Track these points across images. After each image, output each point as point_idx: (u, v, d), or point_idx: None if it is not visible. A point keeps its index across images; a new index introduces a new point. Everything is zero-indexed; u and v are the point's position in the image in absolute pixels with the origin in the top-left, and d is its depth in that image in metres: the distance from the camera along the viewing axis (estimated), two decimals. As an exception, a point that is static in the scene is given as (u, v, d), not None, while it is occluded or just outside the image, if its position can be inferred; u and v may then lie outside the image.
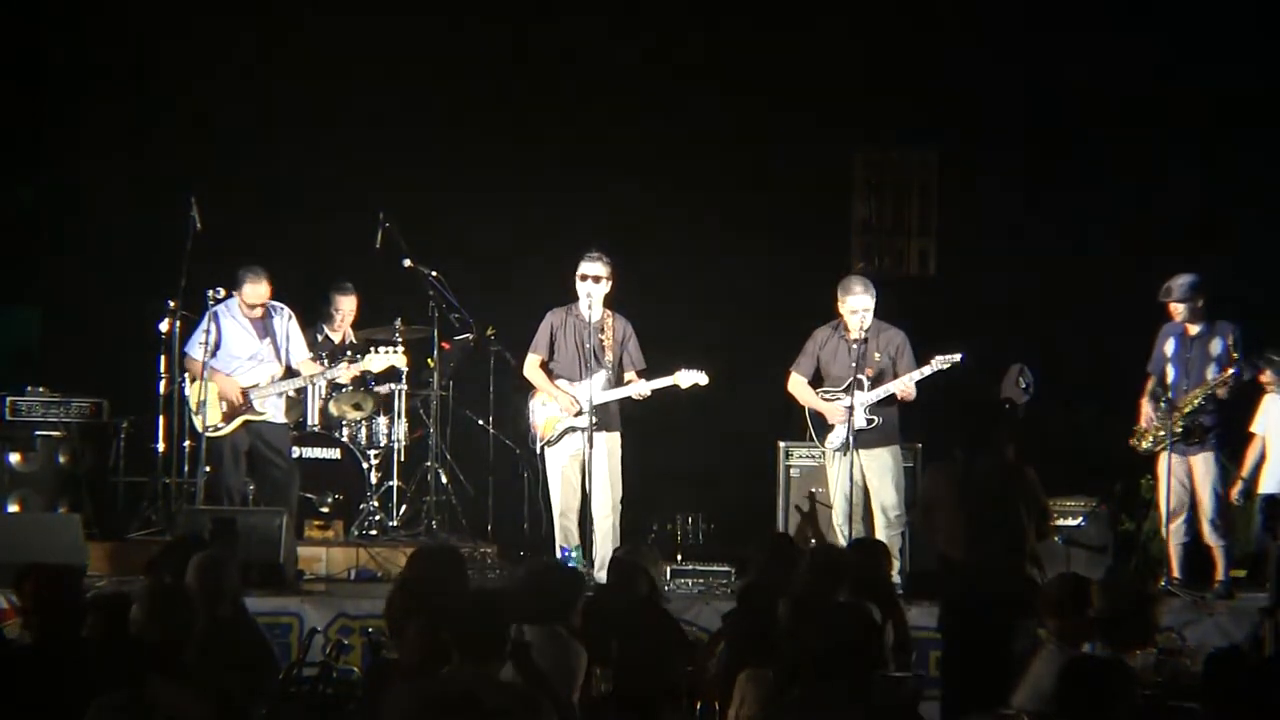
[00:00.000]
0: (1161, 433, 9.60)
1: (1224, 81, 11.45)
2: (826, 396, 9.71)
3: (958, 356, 9.47)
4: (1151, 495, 10.00)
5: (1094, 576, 7.30)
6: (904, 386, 9.53)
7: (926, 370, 9.53)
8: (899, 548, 9.45)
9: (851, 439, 9.52)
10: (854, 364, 9.59)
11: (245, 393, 10.03)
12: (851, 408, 9.53)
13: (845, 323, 9.69)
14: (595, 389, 9.64)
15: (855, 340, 9.61)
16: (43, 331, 12.18)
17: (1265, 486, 9.99)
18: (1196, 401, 9.53)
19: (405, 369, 10.97)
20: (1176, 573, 9.63)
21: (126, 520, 10.60)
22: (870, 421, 9.59)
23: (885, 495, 9.59)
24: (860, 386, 9.60)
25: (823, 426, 9.70)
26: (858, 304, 9.61)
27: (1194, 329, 9.68)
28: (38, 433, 10.70)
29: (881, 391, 9.57)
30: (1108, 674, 5.39)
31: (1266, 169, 11.30)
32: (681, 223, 11.91)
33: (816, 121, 12.01)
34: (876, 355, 9.69)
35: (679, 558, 10.38)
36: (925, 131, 12.35)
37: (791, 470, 10.32)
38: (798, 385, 9.83)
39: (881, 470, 9.62)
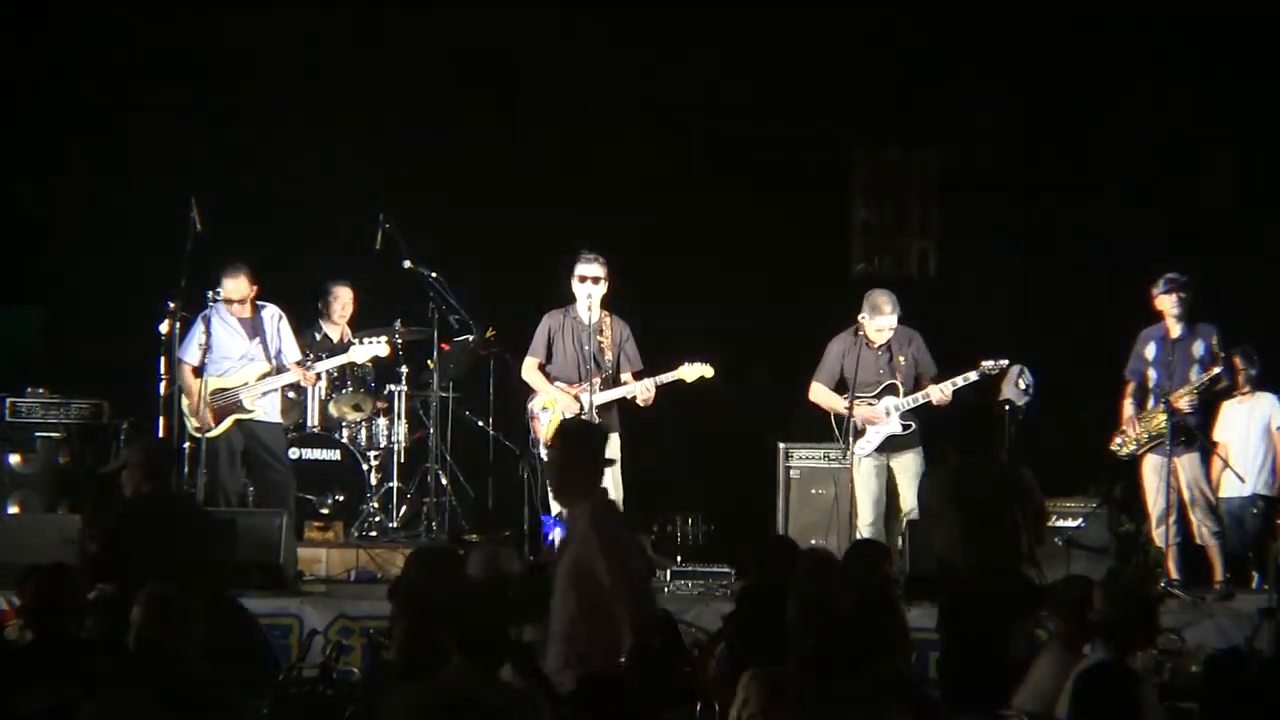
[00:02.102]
0: (1145, 436, 9.65)
1: (1222, 81, 11.46)
2: (859, 403, 9.74)
3: (1004, 361, 9.52)
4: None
5: (1094, 578, 7.30)
6: (941, 395, 9.59)
7: (972, 375, 9.59)
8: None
9: (867, 444, 9.62)
10: (881, 370, 9.74)
11: (220, 396, 10.01)
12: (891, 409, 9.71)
13: (867, 332, 9.73)
14: (595, 390, 9.64)
15: (880, 347, 9.68)
16: (43, 331, 12.17)
17: (1225, 490, 10.04)
18: (1180, 402, 9.56)
19: (404, 369, 10.99)
20: (1174, 574, 9.65)
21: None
22: (906, 427, 9.65)
23: (913, 498, 9.62)
24: (895, 392, 9.67)
25: (853, 431, 9.71)
26: (885, 323, 9.74)
27: (1175, 331, 9.73)
28: (38, 433, 10.71)
29: (920, 397, 9.63)
30: (1120, 683, 5.41)
31: (1265, 169, 11.30)
32: (681, 223, 11.91)
33: (816, 122, 12.01)
34: (902, 360, 9.76)
35: (679, 558, 10.38)
36: (925, 132, 12.35)
37: (791, 470, 10.34)
38: (822, 393, 9.86)
39: (913, 473, 9.66)
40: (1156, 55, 11.50)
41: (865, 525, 9.70)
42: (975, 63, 11.85)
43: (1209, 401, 9.94)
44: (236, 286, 10.05)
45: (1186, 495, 9.70)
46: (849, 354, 9.83)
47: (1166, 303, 9.71)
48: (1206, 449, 9.83)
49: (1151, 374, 9.81)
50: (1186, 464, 9.68)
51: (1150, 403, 9.77)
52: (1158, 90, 11.55)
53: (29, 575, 6.24)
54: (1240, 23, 11.45)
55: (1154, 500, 9.74)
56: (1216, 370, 9.58)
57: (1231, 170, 11.38)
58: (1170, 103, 11.52)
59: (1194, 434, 9.65)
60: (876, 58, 11.85)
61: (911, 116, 12.17)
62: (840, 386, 9.87)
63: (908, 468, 9.70)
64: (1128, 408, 9.90)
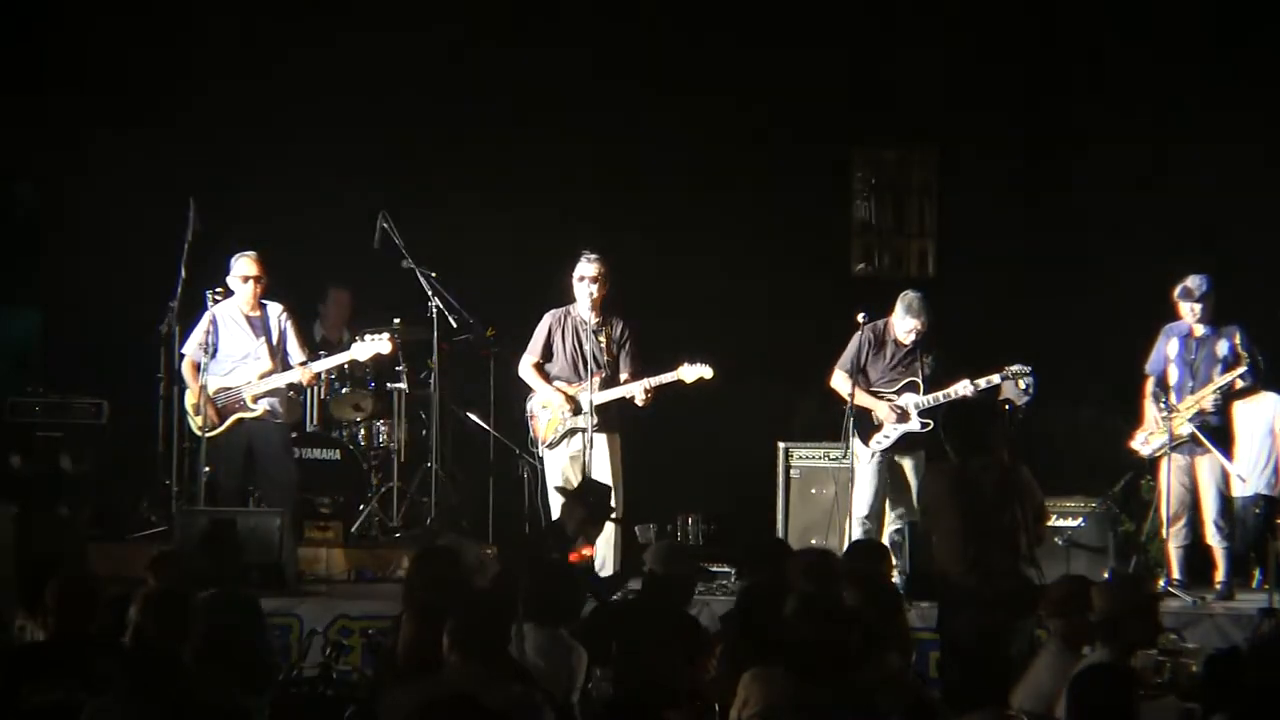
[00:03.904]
0: (1167, 436, 9.60)
1: (1223, 79, 11.45)
2: (880, 397, 9.73)
3: (1028, 368, 9.49)
4: (1151, 496, 10.01)
5: (1095, 578, 7.31)
6: (965, 393, 9.57)
7: (995, 378, 9.56)
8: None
9: (884, 439, 9.62)
10: (902, 368, 9.74)
11: (213, 401, 10.00)
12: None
13: (893, 329, 9.71)
14: (595, 390, 9.64)
15: (905, 346, 9.68)
16: (43, 331, 12.17)
17: (1234, 489, 10.01)
18: (1203, 403, 9.52)
19: (402, 367, 10.99)
20: (1176, 574, 9.64)
21: (126, 521, 10.59)
22: (925, 425, 9.64)
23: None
24: (916, 389, 9.66)
25: (867, 427, 9.69)
26: (909, 325, 9.70)
27: (1199, 330, 9.66)
28: (38, 433, 10.70)
29: (942, 396, 9.61)
30: (1116, 683, 5.41)
31: (1264, 168, 11.29)
32: (682, 223, 11.90)
33: (816, 121, 12.01)
34: (928, 359, 9.73)
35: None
36: (925, 131, 12.35)
37: (791, 470, 10.34)
38: (844, 382, 9.79)
39: (919, 471, 9.68)
40: (1157, 54, 11.49)
41: (859, 520, 9.67)
42: (975, 62, 11.84)
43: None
44: (245, 265, 10.02)
45: (1203, 496, 9.66)
46: (871, 348, 9.80)
47: (1184, 309, 9.66)
48: (1212, 449, 9.77)
49: (1174, 372, 9.75)
50: (1206, 464, 9.63)
51: (1174, 401, 9.72)
52: (1159, 89, 11.55)
53: (53, 576, 6.28)
54: (1239, 21, 11.44)
55: (1168, 500, 9.70)
56: (1240, 370, 9.54)
57: (1232, 168, 11.36)
58: (1172, 101, 11.51)
59: (1217, 435, 9.59)
60: (876, 57, 11.84)
61: (911, 116, 12.16)
62: (864, 380, 9.84)
63: (917, 468, 9.69)
64: (1149, 407, 9.82)
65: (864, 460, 9.76)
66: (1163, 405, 9.63)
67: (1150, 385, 9.81)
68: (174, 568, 7.10)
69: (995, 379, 9.57)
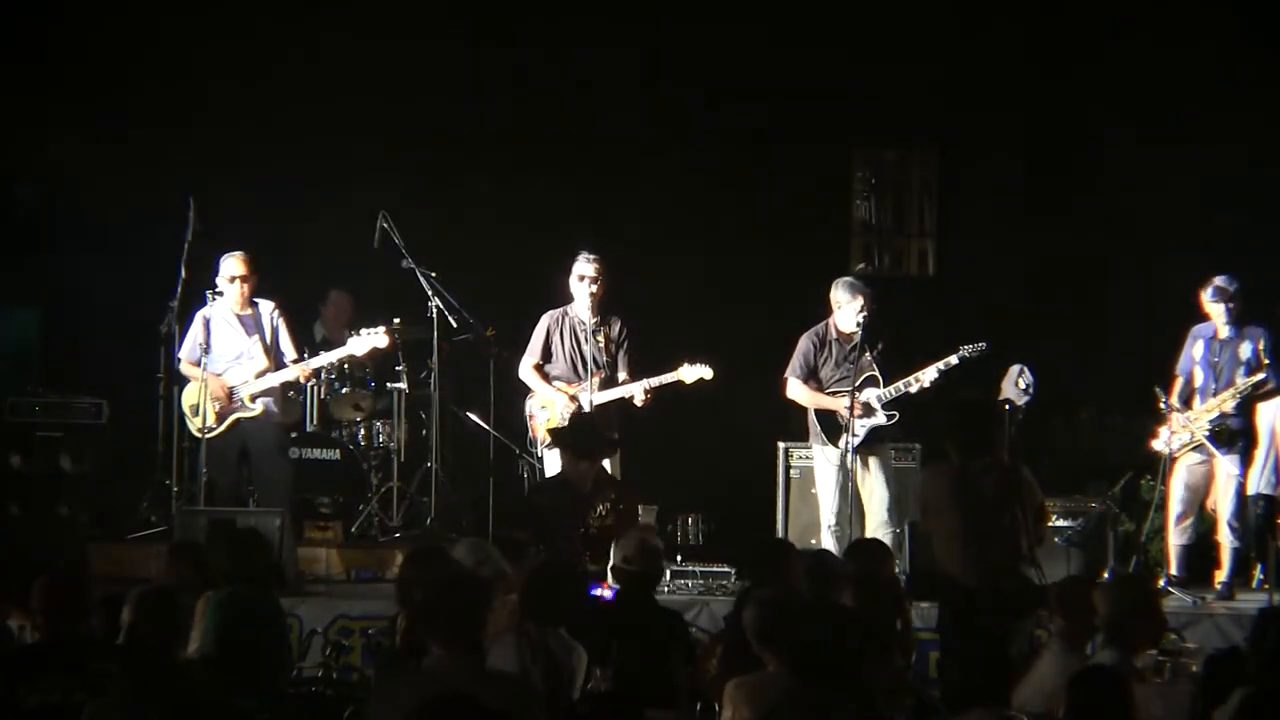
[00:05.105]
0: (1188, 435, 9.56)
1: (1224, 77, 11.45)
2: (836, 395, 9.70)
3: (982, 345, 9.49)
4: (1151, 496, 10.00)
5: (1095, 578, 7.31)
6: (930, 380, 9.54)
7: (953, 360, 9.54)
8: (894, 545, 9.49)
9: (853, 439, 9.54)
10: (851, 364, 9.65)
11: (231, 391, 10.01)
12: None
13: (836, 325, 9.69)
14: (594, 390, 9.64)
15: (850, 343, 9.64)
16: (43, 331, 12.17)
17: (1250, 487, 10.00)
18: (1224, 405, 9.52)
19: (402, 367, 10.98)
20: (1174, 570, 9.65)
21: (126, 521, 10.60)
22: (891, 417, 9.62)
23: (890, 491, 9.60)
24: (876, 384, 9.63)
25: (834, 428, 9.66)
26: (861, 301, 9.62)
27: (1224, 332, 9.65)
28: (38, 433, 10.70)
29: (903, 386, 9.59)
30: (1114, 684, 5.42)
31: (1265, 168, 11.29)
32: (681, 223, 11.90)
33: (816, 121, 12.01)
34: (873, 352, 9.69)
35: (679, 558, 10.37)
36: (925, 131, 12.35)
37: (791, 470, 10.33)
38: (801, 389, 9.80)
39: (883, 470, 9.65)
40: (1158, 53, 11.49)
41: (827, 528, 9.65)
42: (975, 62, 11.84)
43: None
44: (233, 265, 10.02)
45: (1220, 496, 9.63)
46: (822, 350, 9.79)
47: (1214, 310, 9.65)
48: (1218, 455, 9.75)
49: (1199, 374, 9.74)
50: (1224, 466, 9.60)
51: (1197, 402, 9.70)
52: (1160, 88, 11.55)
53: (40, 575, 6.27)
54: (1240, 21, 11.44)
55: (1176, 500, 9.69)
56: (1261, 376, 9.53)
57: (1233, 168, 11.36)
58: (1172, 100, 11.51)
59: (1236, 437, 9.59)
60: (876, 57, 11.84)
61: (911, 116, 12.17)
62: (815, 384, 9.82)
63: (881, 463, 9.67)
64: (1176, 405, 9.78)
65: (828, 464, 9.71)
66: (1164, 407, 9.61)
67: (1179, 386, 9.79)
68: (190, 560, 7.10)
69: (953, 360, 9.55)
